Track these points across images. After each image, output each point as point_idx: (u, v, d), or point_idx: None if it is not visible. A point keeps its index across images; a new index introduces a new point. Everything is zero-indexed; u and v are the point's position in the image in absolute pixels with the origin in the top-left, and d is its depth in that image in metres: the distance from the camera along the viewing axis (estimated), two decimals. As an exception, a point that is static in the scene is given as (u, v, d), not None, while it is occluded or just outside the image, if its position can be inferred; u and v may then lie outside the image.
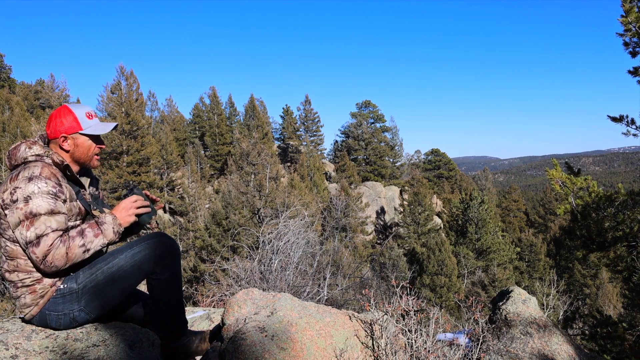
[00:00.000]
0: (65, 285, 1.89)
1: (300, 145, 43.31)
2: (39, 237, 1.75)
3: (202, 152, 37.86)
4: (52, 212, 1.79)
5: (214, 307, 5.91)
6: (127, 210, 1.96)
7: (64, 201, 1.87)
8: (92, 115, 2.03)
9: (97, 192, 2.17)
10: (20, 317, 2.06)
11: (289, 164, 40.85)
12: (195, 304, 8.28)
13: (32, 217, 1.75)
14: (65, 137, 1.97)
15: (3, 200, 1.80)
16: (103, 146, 2.08)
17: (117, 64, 31.31)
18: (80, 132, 1.98)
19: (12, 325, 1.98)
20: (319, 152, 45.22)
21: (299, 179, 28.93)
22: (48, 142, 2.02)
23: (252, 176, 20.38)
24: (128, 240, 2.19)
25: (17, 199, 1.76)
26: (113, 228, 1.90)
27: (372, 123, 46.57)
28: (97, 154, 2.06)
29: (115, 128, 2.09)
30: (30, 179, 1.79)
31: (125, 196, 2.03)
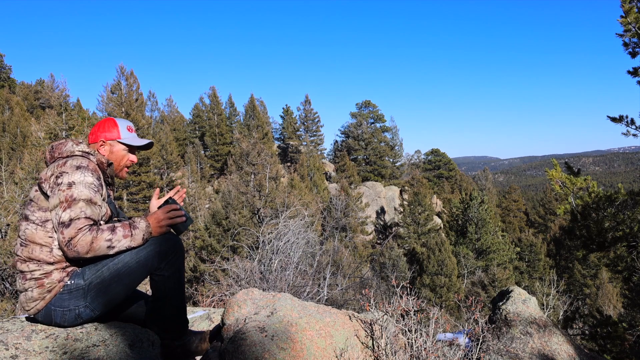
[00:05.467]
0: (73, 281, 1.91)
1: (300, 145, 43.31)
2: (71, 220, 1.81)
3: (202, 152, 37.87)
4: (90, 201, 1.87)
5: (214, 307, 5.90)
6: (159, 221, 2.00)
7: (102, 197, 1.96)
8: (132, 130, 2.22)
9: (117, 206, 2.27)
10: (24, 316, 2.06)
11: (289, 164, 40.85)
12: (195, 304, 8.27)
13: (72, 200, 1.83)
14: (104, 142, 2.14)
15: (49, 182, 1.88)
16: (135, 159, 2.24)
17: (117, 64, 31.35)
18: (118, 140, 2.15)
19: (12, 325, 1.98)
20: (319, 152, 45.22)
21: (299, 179, 28.94)
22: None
23: (252, 176, 20.38)
24: None
25: (61, 182, 1.86)
26: (143, 235, 1.94)
27: (372, 123, 46.58)
28: (127, 167, 2.22)
29: (150, 145, 2.22)
30: (78, 168, 1.90)
31: (161, 206, 2.11)
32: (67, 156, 1.98)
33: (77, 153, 2.01)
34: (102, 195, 1.96)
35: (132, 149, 2.21)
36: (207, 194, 31.63)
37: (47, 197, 1.90)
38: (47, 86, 35.72)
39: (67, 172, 1.88)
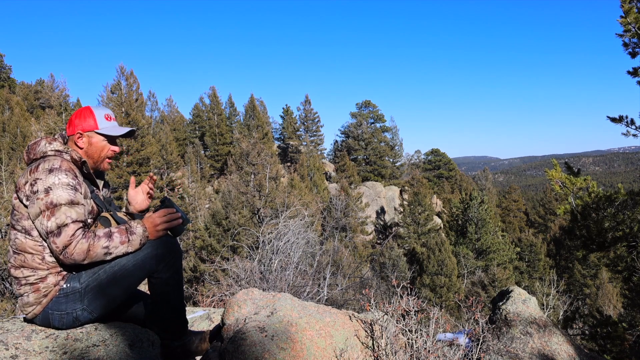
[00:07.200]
0: (69, 285, 1.90)
1: (300, 145, 43.30)
2: (59, 227, 1.77)
3: (202, 152, 37.88)
4: (72, 203, 1.82)
5: (214, 307, 5.90)
6: (155, 225, 1.98)
7: (82, 194, 1.91)
8: (110, 118, 2.10)
9: (109, 196, 2.22)
10: (23, 317, 2.06)
11: (289, 164, 40.85)
12: (195, 304, 8.28)
13: (53, 207, 1.78)
14: (81, 134, 2.04)
15: (23, 191, 1.84)
16: (117, 149, 2.13)
17: (117, 64, 31.36)
18: (96, 131, 2.04)
19: (12, 325, 1.98)
20: (319, 152, 45.21)
21: (299, 179, 28.93)
22: (66, 141, 2.09)
23: (252, 176, 20.38)
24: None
25: (37, 190, 1.80)
26: (140, 240, 1.92)
27: (372, 123, 46.57)
28: (109, 157, 2.12)
29: (131, 133, 2.12)
30: (50, 171, 1.83)
31: (158, 208, 2.07)
32: (41, 157, 1.92)
33: (49, 153, 1.94)
34: (82, 193, 1.90)
35: (111, 138, 2.10)
36: (207, 194, 31.64)
37: (25, 205, 1.84)
38: (47, 86, 35.72)
39: (41, 178, 1.81)
